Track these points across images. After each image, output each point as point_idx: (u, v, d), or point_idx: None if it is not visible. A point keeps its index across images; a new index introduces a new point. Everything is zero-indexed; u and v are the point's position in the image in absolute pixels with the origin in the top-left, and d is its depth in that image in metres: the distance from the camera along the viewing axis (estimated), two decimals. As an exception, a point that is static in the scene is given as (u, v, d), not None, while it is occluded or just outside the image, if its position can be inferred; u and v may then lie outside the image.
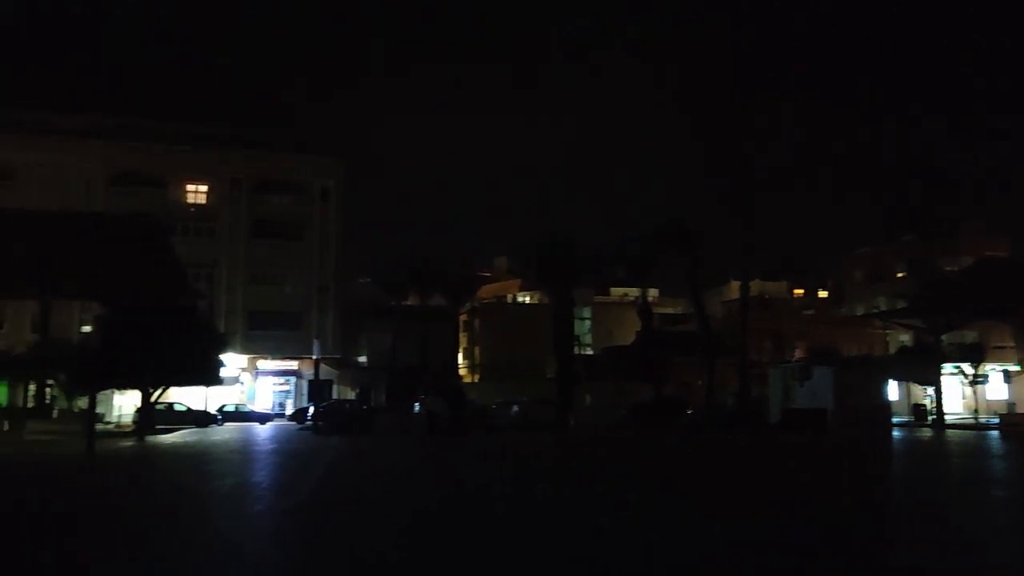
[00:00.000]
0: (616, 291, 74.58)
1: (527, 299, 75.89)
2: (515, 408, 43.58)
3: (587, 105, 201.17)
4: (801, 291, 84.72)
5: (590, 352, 63.79)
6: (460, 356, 63.03)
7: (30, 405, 43.31)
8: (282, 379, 58.67)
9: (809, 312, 75.11)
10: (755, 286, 52.23)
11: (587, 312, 70.47)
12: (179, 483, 16.95)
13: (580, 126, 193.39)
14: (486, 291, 73.05)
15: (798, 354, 56.10)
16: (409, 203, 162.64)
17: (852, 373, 41.16)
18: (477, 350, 67.78)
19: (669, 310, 74.15)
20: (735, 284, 53.33)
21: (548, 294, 50.29)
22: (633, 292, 63.14)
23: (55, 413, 42.02)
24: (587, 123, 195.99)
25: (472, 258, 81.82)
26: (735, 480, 17.05)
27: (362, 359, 62.20)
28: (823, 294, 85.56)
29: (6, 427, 38.26)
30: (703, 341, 45.45)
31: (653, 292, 65.01)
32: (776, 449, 26.72)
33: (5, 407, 41.78)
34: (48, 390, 43.07)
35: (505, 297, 78.32)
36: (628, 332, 61.48)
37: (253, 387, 57.30)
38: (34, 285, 40.69)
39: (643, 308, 52.16)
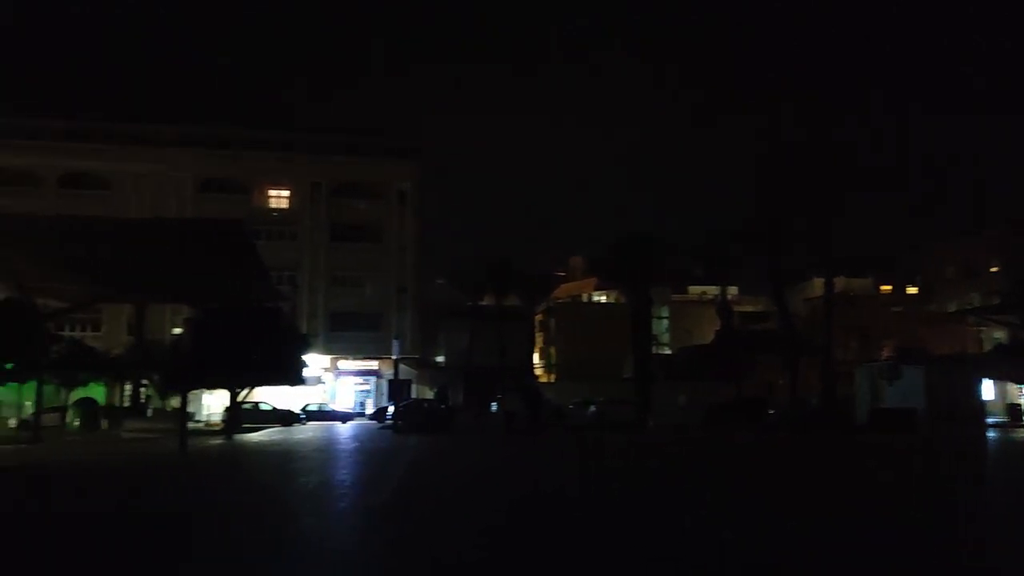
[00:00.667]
0: (694, 289, 73.52)
1: (603, 298, 75.50)
2: (592, 408, 43.44)
3: (651, 103, 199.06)
4: (889, 287, 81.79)
5: (668, 352, 63.10)
6: (536, 356, 63.20)
7: (126, 404, 45.35)
8: (362, 379, 59.92)
9: (897, 309, 72.49)
10: (840, 282, 50.69)
11: (665, 311, 69.73)
12: (267, 481, 17.47)
13: (646, 123, 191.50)
14: (562, 291, 73.07)
15: (886, 352, 54.25)
16: (483, 204, 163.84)
17: (944, 372, 39.63)
18: (553, 350, 67.83)
19: (749, 308, 72.69)
20: (818, 281, 51.93)
21: (625, 293, 50.01)
22: (712, 290, 62.22)
23: (149, 412, 43.84)
24: (654, 120, 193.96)
25: (548, 258, 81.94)
26: (817, 480, 16.62)
27: (440, 359, 62.97)
28: (912, 290, 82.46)
29: (105, 425, 40.11)
30: (785, 340, 44.41)
31: (732, 290, 63.86)
32: (862, 449, 25.93)
33: (104, 406, 43.85)
34: (143, 390, 44.95)
35: (581, 296, 78.14)
36: (707, 331, 60.59)
37: (335, 387, 58.66)
38: (130, 290, 42.58)
39: (723, 306, 51.34)
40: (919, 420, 35.75)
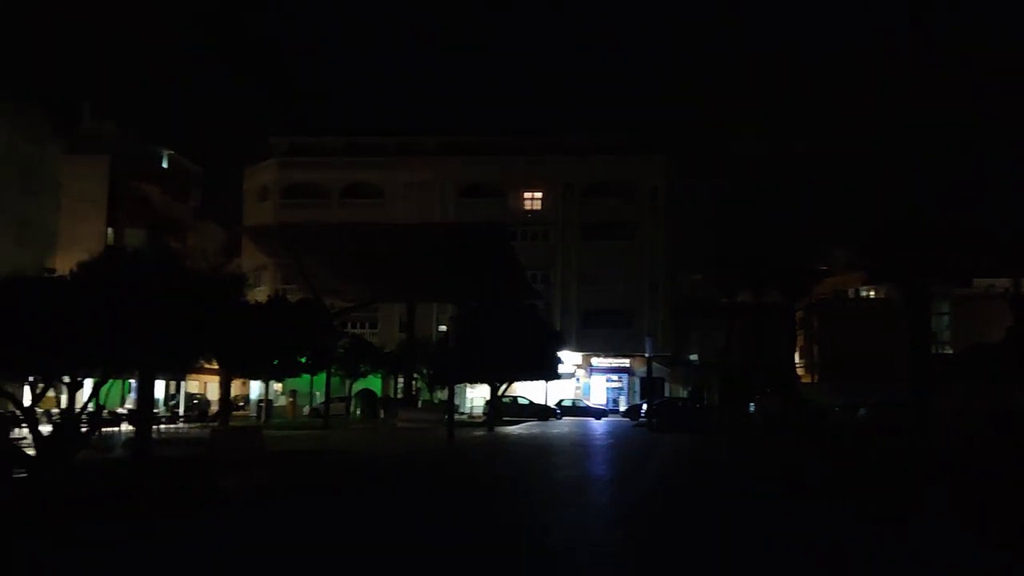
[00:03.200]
0: (980, 282, 65.91)
1: (871, 293, 70.09)
2: (862, 411, 40.39)
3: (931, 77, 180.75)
4: None
5: (949, 351, 57.18)
6: (796, 355, 60.05)
7: (399, 396, 49.19)
8: (615, 376, 60.31)
9: None
10: None
11: (945, 306, 63.26)
12: (531, 471, 18.09)
13: (920, 96, 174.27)
14: (825, 285, 68.73)
15: None
16: (736, 195, 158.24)
17: None
18: (816, 348, 64.01)
19: (1049, 302, 63.82)
20: None
21: (897, 288, 45.98)
22: (1002, 282, 55.47)
23: (419, 403, 47.17)
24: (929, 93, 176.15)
25: (807, 250, 77.42)
26: None
27: (693, 357, 61.81)
28: None
29: (382, 415, 43.76)
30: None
31: (1028, 282, 56.43)
32: None
33: (381, 397, 47.90)
34: (414, 382, 48.45)
35: (846, 292, 73.05)
36: (995, 329, 54.12)
37: (588, 383, 59.59)
38: (403, 290, 46.23)
39: (1016, 300, 45.59)
40: None
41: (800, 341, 63.74)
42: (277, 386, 49.30)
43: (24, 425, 15.20)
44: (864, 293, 71.07)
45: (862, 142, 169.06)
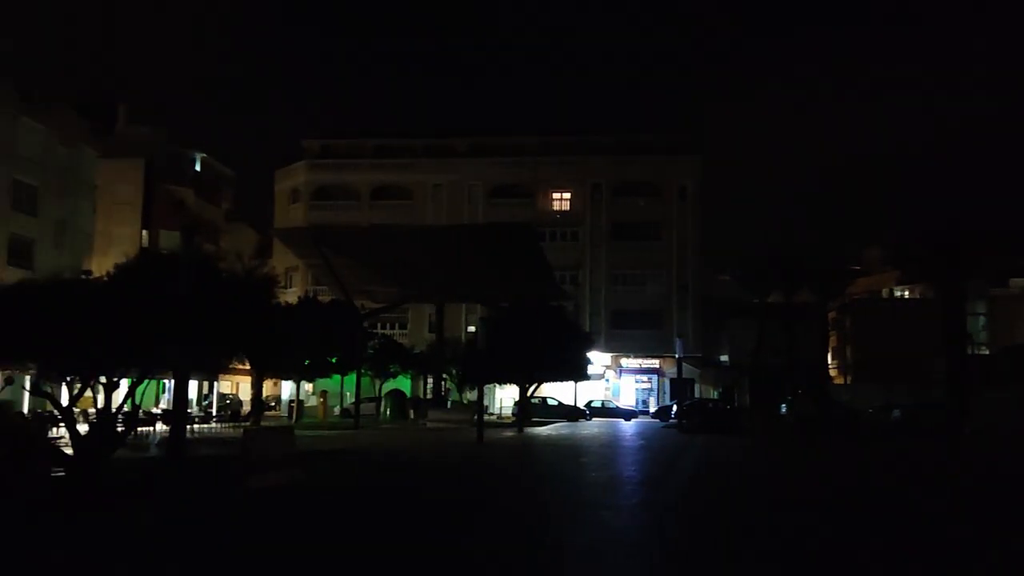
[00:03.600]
0: (1017, 282, 64.69)
1: (905, 293, 69.07)
2: (896, 412, 39.83)
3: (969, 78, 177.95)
4: None
5: (985, 352, 56.18)
6: (829, 356, 59.33)
7: (428, 396, 49.36)
8: (644, 377, 60.03)
9: None
10: None
11: (981, 306, 62.17)
12: (561, 472, 18.06)
13: (956, 101, 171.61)
14: (858, 285, 67.83)
15: None
16: (766, 196, 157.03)
17: None
18: (849, 349, 63.19)
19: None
20: None
21: (934, 287, 45.32)
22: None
23: (449, 404, 47.28)
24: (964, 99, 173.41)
25: (839, 250, 76.41)
26: None
27: (724, 358, 61.33)
28: None
29: (412, 415, 43.94)
30: None
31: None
32: None
33: (410, 397, 48.11)
34: (443, 383, 48.59)
35: (880, 292, 72.06)
36: (1034, 329, 53.11)
37: (617, 384, 59.38)
38: (432, 291, 46.37)
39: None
40: None
41: (833, 342, 62.96)
42: (308, 386, 49.71)
43: (62, 424, 15.49)
44: (898, 293, 70.09)
45: (897, 142, 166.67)
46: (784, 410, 43.11)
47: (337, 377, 42.19)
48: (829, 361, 61.01)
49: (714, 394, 54.13)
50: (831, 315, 59.98)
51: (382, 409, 44.47)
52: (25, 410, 28.29)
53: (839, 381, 59.69)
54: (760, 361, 50.98)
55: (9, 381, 19.92)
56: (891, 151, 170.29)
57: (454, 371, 46.49)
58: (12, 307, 12.09)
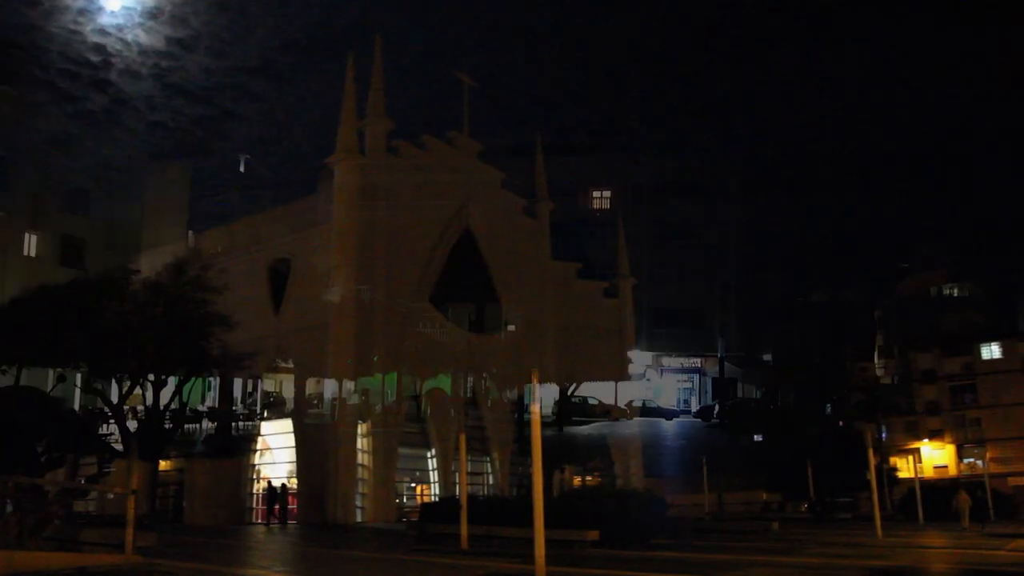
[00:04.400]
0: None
1: (953, 291, 67.46)
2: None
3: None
4: None
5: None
6: (875, 355, 58.23)
7: (468, 395, 49.30)
8: (685, 376, 59.48)
9: None
10: None
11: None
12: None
13: None
14: (906, 284, 66.48)
15: None
16: (811, 195, 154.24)
17: None
18: (896, 349, 61.93)
19: None
20: None
21: (981, 286, 44.18)
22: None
23: (489, 402, 47.18)
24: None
25: (888, 249, 74.92)
26: None
27: (767, 357, 60.58)
28: None
29: (452, 413, 43.91)
30: None
31: None
32: None
33: (451, 396, 48.08)
34: (482, 382, 48.49)
35: (927, 290, 70.53)
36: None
37: (659, 383, 58.94)
38: (471, 290, 46.36)
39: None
40: None
41: (879, 341, 61.81)
42: (350, 384, 49.93)
43: (112, 421, 15.81)
44: (947, 291, 68.55)
45: (945, 137, 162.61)
46: (829, 410, 42.49)
47: (379, 376, 42.35)
48: (876, 360, 59.92)
49: (756, 394, 53.51)
50: (877, 313, 58.92)
51: (423, 408, 44.54)
52: (76, 407, 28.97)
53: (886, 381, 58.59)
54: (805, 360, 50.22)
55: (61, 379, 20.42)
56: (942, 148, 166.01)
57: (494, 370, 46.43)
58: (64, 307, 12.42)
